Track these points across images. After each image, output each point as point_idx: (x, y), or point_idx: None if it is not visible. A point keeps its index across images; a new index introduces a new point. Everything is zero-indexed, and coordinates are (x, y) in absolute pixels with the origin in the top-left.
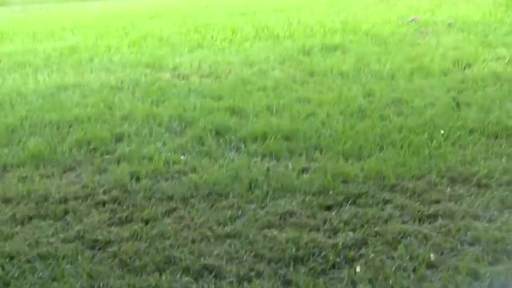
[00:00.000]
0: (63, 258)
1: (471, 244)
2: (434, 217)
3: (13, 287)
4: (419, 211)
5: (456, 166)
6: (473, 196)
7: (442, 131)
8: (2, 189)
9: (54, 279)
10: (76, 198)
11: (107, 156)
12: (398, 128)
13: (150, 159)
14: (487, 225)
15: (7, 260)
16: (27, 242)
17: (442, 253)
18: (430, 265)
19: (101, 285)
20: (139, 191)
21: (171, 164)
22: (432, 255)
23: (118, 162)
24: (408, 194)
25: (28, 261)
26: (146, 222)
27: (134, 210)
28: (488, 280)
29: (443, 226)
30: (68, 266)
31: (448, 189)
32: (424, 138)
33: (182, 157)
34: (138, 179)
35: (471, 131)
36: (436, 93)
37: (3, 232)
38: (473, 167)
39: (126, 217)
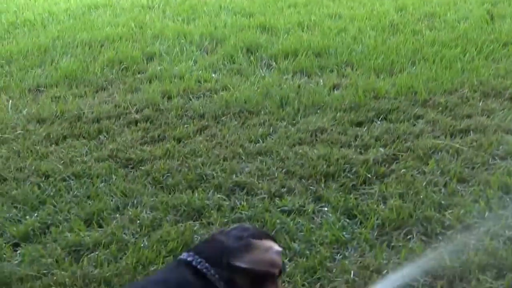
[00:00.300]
0: (97, 176)
1: (503, 158)
2: (465, 131)
3: (49, 205)
4: (450, 126)
5: (489, 80)
6: (505, 110)
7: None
8: (36, 110)
9: (88, 197)
10: (108, 117)
11: (138, 75)
12: (430, 42)
13: (182, 77)
14: None
15: (43, 179)
16: (62, 161)
17: (473, 168)
18: (461, 180)
19: (134, 203)
20: (171, 109)
21: (202, 82)
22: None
23: (150, 81)
24: (440, 109)
25: (63, 180)
26: (178, 140)
27: (166, 129)
28: None
29: (474, 141)
30: (102, 184)
31: (480, 104)
32: (457, 52)
33: (213, 75)
34: (169, 97)
35: (505, 44)
36: (470, 6)
37: (38, 151)
38: (506, 80)
39: (159, 135)
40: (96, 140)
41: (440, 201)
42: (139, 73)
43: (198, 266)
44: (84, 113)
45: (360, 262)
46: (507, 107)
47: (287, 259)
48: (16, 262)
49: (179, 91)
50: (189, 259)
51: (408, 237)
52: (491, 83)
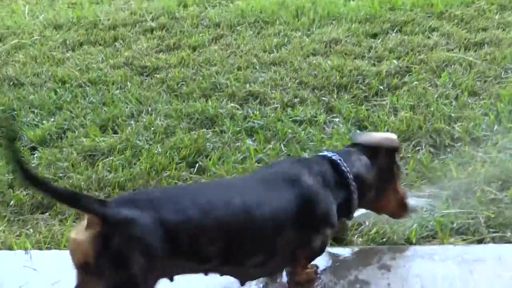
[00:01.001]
0: (113, 83)
1: None
2: (480, 44)
3: (65, 110)
4: (465, 39)
5: None
6: None
7: None
8: (53, 16)
9: (104, 104)
10: (124, 24)
11: None
12: None
13: None
14: None
15: (60, 84)
16: (78, 68)
17: (485, 81)
18: (473, 93)
19: (149, 110)
20: (187, 18)
21: None
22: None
23: None
24: (455, 21)
25: (79, 86)
26: (194, 49)
27: (182, 37)
28: None
29: (488, 54)
30: (118, 91)
31: (497, 16)
32: None
33: None
34: (185, 6)
35: None
36: None
37: (54, 57)
38: None
39: (174, 43)
40: (112, 47)
41: (450, 114)
42: None
43: (338, 161)
44: (100, 20)
45: None
46: None
47: None
48: (34, 165)
49: (195, 0)
50: (329, 155)
51: (417, 148)
52: None
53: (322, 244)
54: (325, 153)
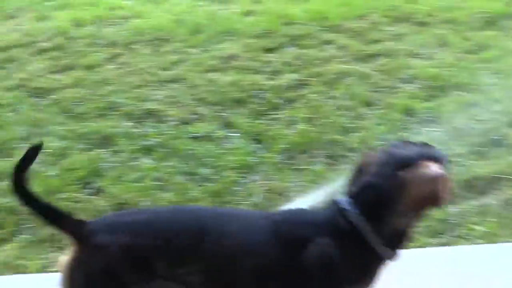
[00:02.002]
0: (6, 106)
1: (409, 81)
2: (374, 56)
3: None
4: (360, 51)
5: (400, 5)
6: (413, 34)
7: None
8: None
9: None
10: (18, 45)
11: (48, 3)
12: None
13: (93, 4)
14: (425, 63)
15: None
16: None
17: (380, 92)
18: (368, 104)
19: (44, 132)
20: (82, 37)
21: (114, 9)
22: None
23: (60, 9)
24: (350, 34)
25: None
26: (89, 69)
27: (77, 57)
28: (422, 115)
29: (382, 65)
30: (11, 114)
31: (390, 28)
32: None
33: (126, 2)
34: (80, 25)
35: None
36: None
37: None
38: (416, 5)
39: (69, 64)
40: (4, 69)
41: (346, 124)
42: (48, 0)
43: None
44: None
45: (267, 186)
46: (415, 32)
47: (195, 184)
48: None
49: (91, 19)
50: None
51: (314, 160)
52: (401, 8)
53: None
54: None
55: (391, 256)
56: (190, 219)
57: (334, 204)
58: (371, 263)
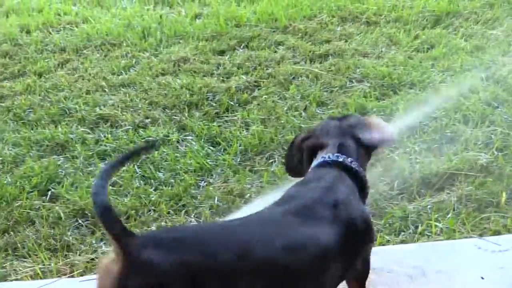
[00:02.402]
0: None
1: (360, 81)
2: (324, 56)
3: None
4: (310, 51)
5: (346, 5)
6: (362, 34)
7: None
8: None
9: None
10: None
11: None
12: None
13: (40, 11)
14: (375, 61)
15: None
16: None
17: (331, 91)
18: (320, 103)
19: None
20: (31, 44)
21: (62, 15)
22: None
23: (7, 15)
24: (299, 35)
25: None
26: (40, 75)
27: (27, 64)
28: (374, 114)
29: (333, 65)
30: None
31: (339, 28)
32: None
33: (74, 8)
34: (28, 32)
35: None
36: None
37: None
38: (363, 5)
39: (19, 71)
40: None
41: (300, 124)
42: None
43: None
44: None
45: (224, 188)
46: (364, 31)
47: (153, 188)
48: None
49: (38, 25)
50: (340, 159)
51: (270, 161)
52: (348, 8)
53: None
54: (329, 156)
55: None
56: (237, 233)
57: (333, 162)
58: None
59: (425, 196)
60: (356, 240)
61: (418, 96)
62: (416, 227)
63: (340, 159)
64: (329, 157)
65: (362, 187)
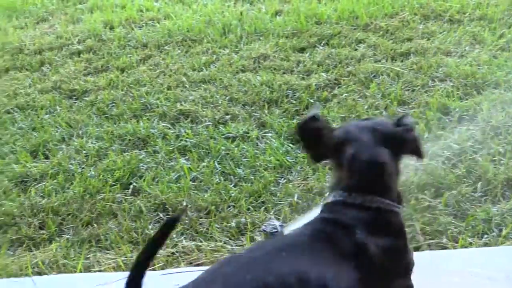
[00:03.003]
0: (42, 108)
1: (442, 80)
2: (406, 55)
3: None
4: (391, 50)
5: (429, 3)
6: (445, 32)
7: None
8: None
9: (34, 129)
10: (51, 48)
11: (79, 5)
12: None
13: (123, 7)
14: (458, 60)
15: None
16: (5, 94)
17: (413, 90)
18: (402, 102)
19: (80, 133)
20: (114, 39)
21: (144, 11)
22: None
23: (91, 11)
24: (381, 32)
25: (8, 112)
26: (122, 70)
27: (110, 59)
28: (457, 114)
29: (414, 63)
30: (47, 115)
31: (421, 26)
32: None
33: (156, 4)
34: (112, 28)
35: None
36: None
37: None
38: (446, 2)
39: (102, 66)
40: (39, 72)
41: None
42: (80, 3)
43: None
44: (25, 44)
45: (304, 185)
46: (447, 29)
47: (232, 184)
48: None
49: (121, 21)
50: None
51: None
52: (431, 6)
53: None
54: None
55: (403, 209)
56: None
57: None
58: (400, 224)
59: (510, 199)
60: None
61: (502, 96)
62: (500, 230)
63: (358, 201)
64: (344, 197)
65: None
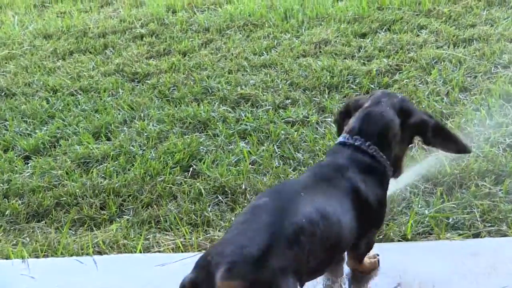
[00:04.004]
0: (104, 90)
1: (505, 66)
2: (469, 41)
3: (58, 119)
4: (454, 36)
5: None
6: (509, 18)
7: None
8: (42, 25)
9: (96, 111)
10: (114, 32)
11: None
12: None
13: None
14: None
15: (51, 93)
16: (69, 76)
17: (475, 77)
18: (463, 89)
19: (141, 116)
20: (176, 23)
21: None
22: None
23: None
24: (443, 18)
25: (71, 94)
26: (184, 54)
27: (172, 43)
28: None
29: (477, 50)
30: (109, 98)
31: (484, 13)
32: None
33: None
34: (174, 11)
35: None
36: None
37: (45, 66)
38: None
39: (164, 49)
40: (102, 55)
41: (442, 110)
42: None
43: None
44: (90, 28)
45: None
46: (511, 15)
47: (291, 168)
48: (28, 174)
49: (184, 5)
50: (357, 143)
51: (410, 146)
52: None
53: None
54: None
55: (394, 175)
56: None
57: (346, 144)
58: (386, 181)
59: None
60: (367, 218)
61: None
62: None
63: (357, 143)
64: (347, 139)
65: (382, 171)
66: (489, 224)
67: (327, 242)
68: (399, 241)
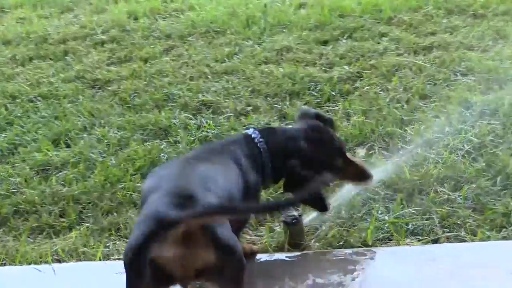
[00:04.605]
0: (64, 97)
1: (464, 74)
2: (429, 48)
3: (16, 126)
4: (414, 43)
5: None
6: (468, 27)
7: None
8: (1, 31)
9: (56, 118)
10: (75, 38)
11: None
12: None
13: None
14: (481, 55)
15: (10, 100)
16: (29, 83)
17: (435, 84)
18: (423, 96)
19: (102, 123)
20: (138, 30)
21: (168, 2)
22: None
23: (116, 2)
24: (404, 26)
25: (30, 101)
26: (145, 61)
27: (133, 49)
28: (479, 108)
29: (437, 57)
30: (70, 105)
31: (444, 21)
32: None
33: None
34: (136, 18)
35: None
36: None
37: (4, 73)
38: None
39: (125, 56)
40: (62, 61)
41: (402, 117)
42: None
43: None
44: (49, 34)
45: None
46: (470, 24)
47: None
48: None
49: (146, 12)
50: (253, 135)
51: (370, 152)
52: (455, 0)
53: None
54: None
55: (267, 184)
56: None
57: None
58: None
59: None
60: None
61: None
62: None
63: (253, 135)
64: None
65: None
66: (448, 230)
67: None
68: (359, 247)
